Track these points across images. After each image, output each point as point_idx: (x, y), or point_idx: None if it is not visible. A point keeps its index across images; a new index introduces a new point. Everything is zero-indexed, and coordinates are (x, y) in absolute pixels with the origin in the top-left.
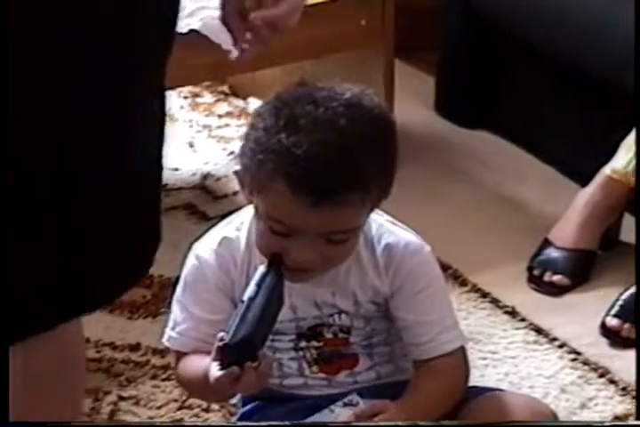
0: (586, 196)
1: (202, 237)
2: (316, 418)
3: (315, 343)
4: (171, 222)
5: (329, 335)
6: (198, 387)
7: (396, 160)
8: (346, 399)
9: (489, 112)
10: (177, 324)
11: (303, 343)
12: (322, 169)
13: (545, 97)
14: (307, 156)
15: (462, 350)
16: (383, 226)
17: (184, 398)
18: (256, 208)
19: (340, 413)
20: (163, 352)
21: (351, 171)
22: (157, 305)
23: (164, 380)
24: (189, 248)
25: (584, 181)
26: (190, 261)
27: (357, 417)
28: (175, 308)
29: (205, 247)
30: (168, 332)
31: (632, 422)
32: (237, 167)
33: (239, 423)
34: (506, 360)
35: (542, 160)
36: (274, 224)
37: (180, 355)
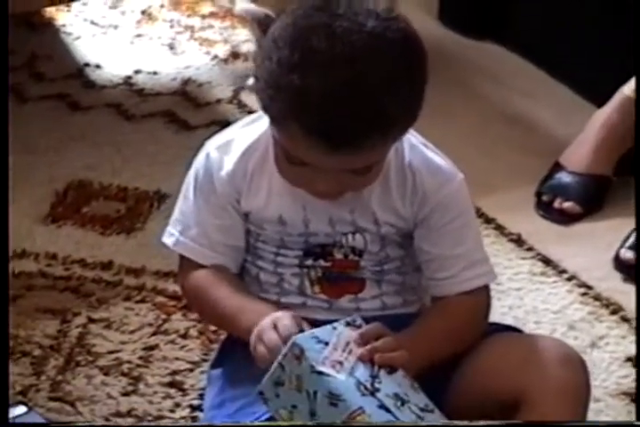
0: (602, 117)
1: (218, 133)
2: (318, 333)
3: (322, 263)
4: (148, 131)
5: (339, 256)
6: (216, 318)
7: (424, 92)
8: (349, 319)
9: (498, 21)
10: (187, 227)
11: (309, 261)
12: (338, 113)
13: (561, 7)
14: (321, 99)
15: (486, 289)
16: (416, 148)
17: (160, 322)
18: (271, 127)
19: (343, 331)
20: (137, 272)
21: (371, 115)
22: (132, 220)
23: (138, 302)
24: (169, 162)
25: (600, 101)
26: (201, 158)
27: (362, 336)
28: (184, 207)
29: (217, 147)
30: (175, 234)
31: (632, 422)
32: (251, 81)
33: (243, 424)
34: (510, 293)
35: (555, 77)
36: (291, 157)
37: (191, 264)
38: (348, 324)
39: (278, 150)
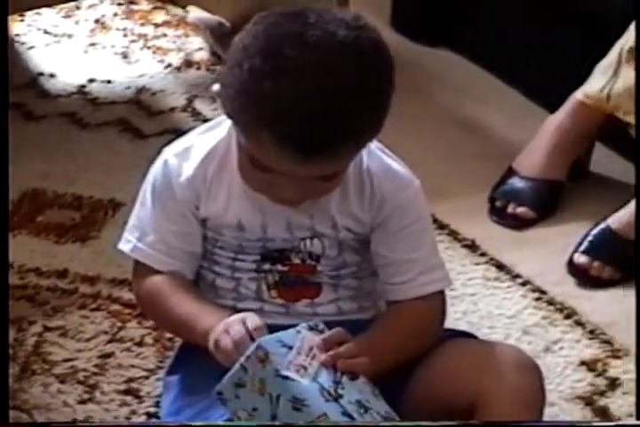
0: (554, 122)
1: (175, 140)
2: (283, 336)
3: (279, 267)
4: (102, 139)
5: (296, 260)
6: (172, 324)
7: (391, 100)
8: (311, 323)
9: (450, 28)
10: (144, 234)
11: (267, 266)
12: (311, 122)
13: (512, 12)
14: (294, 107)
15: (441, 295)
16: (374, 153)
17: (115, 330)
18: (237, 134)
19: (306, 335)
20: (92, 280)
21: (344, 123)
22: (87, 228)
23: (93, 310)
24: (124, 170)
25: (552, 106)
26: (159, 165)
27: (325, 342)
28: (141, 213)
29: (175, 154)
30: (133, 241)
31: (632, 422)
32: (216, 87)
33: (244, 423)
34: (464, 298)
35: (507, 83)
36: (257, 163)
37: (147, 270)
38: (310, 328)
39: (243, 157)
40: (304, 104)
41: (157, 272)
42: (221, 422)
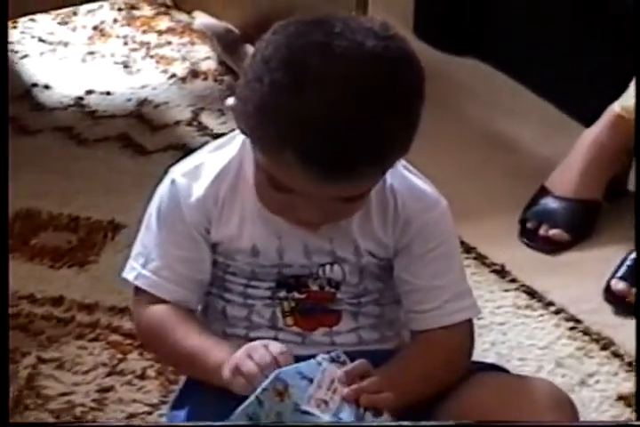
0: (590, 137)
1: (181, 157)
2: (303, 368)
3: (296, 295)
4: (101, 156)
5: (314, 287)
6: (176, 358)
7: (420, 117)
8: (333, 354)
9: (478, 35)
10: (149, 260)
11: (282, 293)
12: (339, 140)
13: (545, 19)
14: (321, 124)
15: (469, 324)
16: (397, 171)
17: (115, 362)
18: (255, 153)
19: (327, 368)
20: (90, 308)
21: (374, 140)
22: (85, 252)
23: (91, 340)
24: (124, 190)
25: (588, 119)
26: (165, 185)
27: (347, 375)
28: (146, 239)
29: (184, 173)
30: (137, 267)
31: (632, 422)
32: (231, 101)
33: (244, 423)
34: (493, 327)
35: (539, 95)
36: (276, 183)
37: (149, 298)
38: (332, 360)
39: (261, 176)
40: (330, 120)
41: (160, 301)
42: (220, 423)
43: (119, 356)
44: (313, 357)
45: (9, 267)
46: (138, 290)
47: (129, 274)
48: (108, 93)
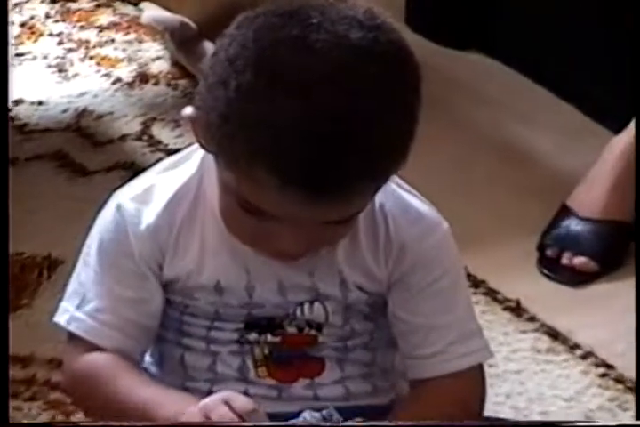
0: (619, 145)
1: (129, 180)
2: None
3: (269, 337)
4: (32, 178)
5: (291, 329)
6: (117, 414)
7: (418, 121)
8: (324, 412)
9: (482, 25)
10: (86, 300)
11: (253, 335)
12: (322, 154)
13: (565, 4)
14: (300, 135)
15: (480, 370)
16: (388, 188)
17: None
18: (220, 171)
19: None
20: (25, 361)
21: (363, 153)
22: (17, 294)
23: (27, 400)
24: (62, 217)
25: (617, 125)
26: (109, 212)
27: None
28: (83, 276)
29: (132, 198)
30: (70, 309)
31: (632, 422)
32: (189, 110)
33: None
34: (508, 377)
35: (558, 95)
36: (249, 207)
37: (84, 346)
38: (324, 418)
39: (229, 200)
40: (313, 134)
41: (97, 349)
42: (220, 422)
43: (60, 417)
44: (295, 415)
45: None
46: (72, 336)
47: (60, 317)
48: (41, 103)
